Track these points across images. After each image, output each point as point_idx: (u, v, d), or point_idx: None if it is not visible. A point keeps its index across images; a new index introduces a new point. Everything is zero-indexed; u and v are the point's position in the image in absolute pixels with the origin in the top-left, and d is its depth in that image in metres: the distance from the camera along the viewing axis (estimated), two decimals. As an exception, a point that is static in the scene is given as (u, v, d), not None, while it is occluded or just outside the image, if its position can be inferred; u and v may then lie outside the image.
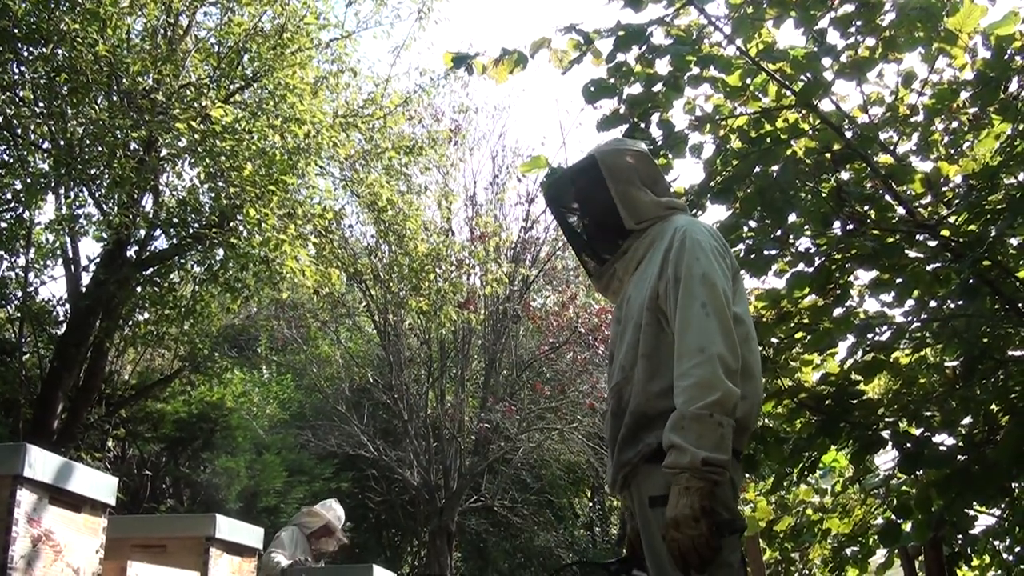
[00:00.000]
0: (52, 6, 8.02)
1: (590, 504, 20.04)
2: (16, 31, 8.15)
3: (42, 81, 8.26)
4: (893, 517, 4.39)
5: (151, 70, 8.37)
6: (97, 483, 3.43)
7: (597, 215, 2.69)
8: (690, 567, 2.12)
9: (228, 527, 4.37)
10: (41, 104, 8.33)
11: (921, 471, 3.97)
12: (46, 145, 8.48)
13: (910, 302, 4.11)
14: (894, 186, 3.96)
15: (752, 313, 4.18)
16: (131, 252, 9.25)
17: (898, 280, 3.93)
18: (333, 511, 6.64)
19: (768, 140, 4.04)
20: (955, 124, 4.19)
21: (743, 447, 2.42)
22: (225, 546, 4.35)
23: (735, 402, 2.19)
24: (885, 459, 5.00)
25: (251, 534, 4.61)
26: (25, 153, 8.61)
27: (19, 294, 9.95)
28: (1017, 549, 5.11)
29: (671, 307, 2.35)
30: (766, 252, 4.08)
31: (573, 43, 4.07)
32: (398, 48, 11.48)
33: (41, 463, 3.13)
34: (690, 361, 2.22)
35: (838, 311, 4.20)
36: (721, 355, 2.20)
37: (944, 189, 4.05)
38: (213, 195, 8.81)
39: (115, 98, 8.61)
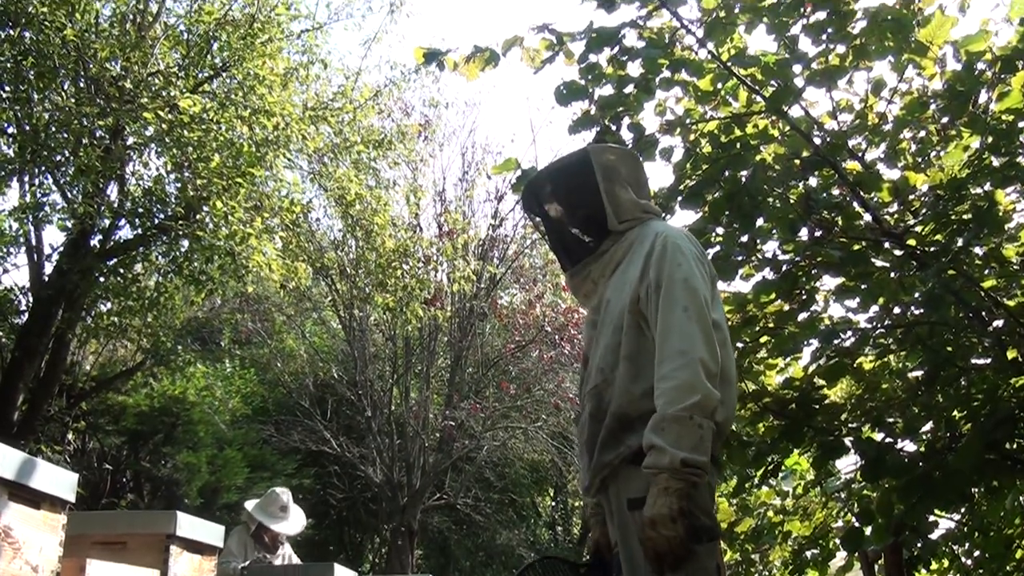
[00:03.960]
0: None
1: (553, 503, 20.07)
2: (-18, 12, 8.03)
3: (8, 64, 8.12)
4: (854, 521, 4.43)
5: (119, 56, 8.27)
6: (57, 479, 3.37)
7: (581, 211, 2.62)
8: (664, 567, 2.13)
9: (189, 524, 4.30)
10: (7, 88, 8.20)
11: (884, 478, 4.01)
12: (11, 130, 8.36)
13: (875, 308, 4.15)
14: (862, 193, 3.99)
15: (720, 317, 4.20)
16: (95, 242, 9.16)
17: (863, 287, 3.96)
18: (263, 510, 6.18)
19: (738, 145, 4.06)
20: (923, 134, 4.23)
21: (719, 452, 2.41)
22: (186, 544, 4.28)
23: (715, 406, 2.20)
24: (847, 463, 5.05)
25: (212, 532, 4.55)
26: (-11, 138, 8.49)
27: (-20, 282, 9.80)
28: (976, 554, 5.18)
29: (652, 311, 2.35)
30: (733, 257, 4.10)
31: (545, 43, 4.07)
32: (369, 41, 11.44)
33: (1, 458, 3.08)
34: (671, 364, 2.23)
35: (803, 316, 4.23)
36: (703, 359, 2.22)
37: (911, 198, 4.09)
38: (179, 186, 8.74)
39: (82, 84, 8.51)
